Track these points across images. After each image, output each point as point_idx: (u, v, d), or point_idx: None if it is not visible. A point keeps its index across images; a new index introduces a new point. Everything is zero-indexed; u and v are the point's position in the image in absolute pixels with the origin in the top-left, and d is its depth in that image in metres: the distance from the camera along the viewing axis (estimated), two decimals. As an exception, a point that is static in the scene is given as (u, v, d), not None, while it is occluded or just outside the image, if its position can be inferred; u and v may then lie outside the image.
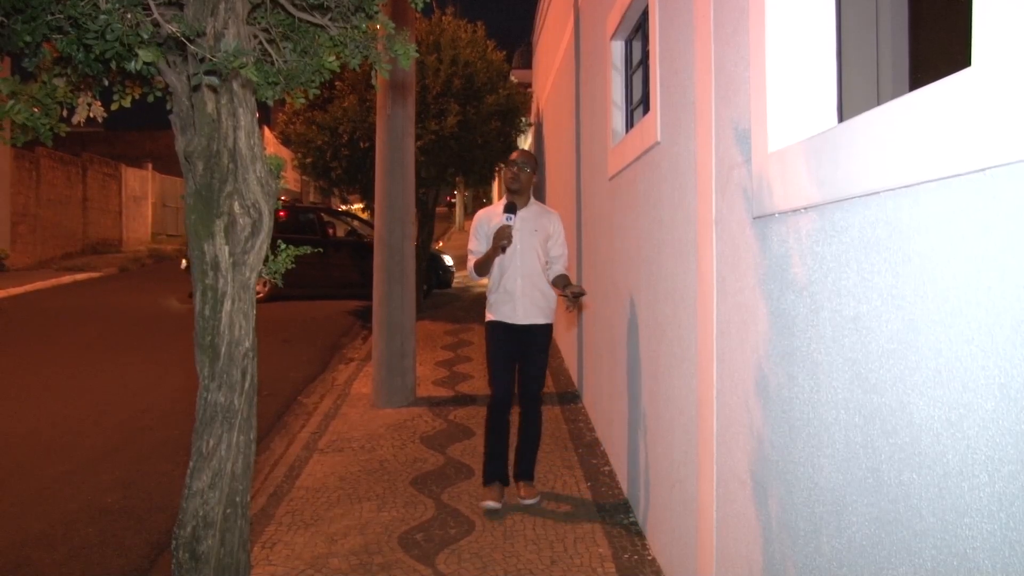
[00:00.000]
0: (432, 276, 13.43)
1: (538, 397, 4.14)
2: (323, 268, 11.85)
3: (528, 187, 4.09)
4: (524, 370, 4.10)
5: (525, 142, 14.20)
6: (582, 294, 3.84)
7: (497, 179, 19.28)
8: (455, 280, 14.63)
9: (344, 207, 26.95)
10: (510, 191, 4.07)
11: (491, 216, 4.12)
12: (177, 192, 23.49)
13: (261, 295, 11.53)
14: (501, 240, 3.90)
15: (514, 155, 4.13)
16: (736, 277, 2.30)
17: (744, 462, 2.23)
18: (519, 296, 4.02)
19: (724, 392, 2.43)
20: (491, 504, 3.93)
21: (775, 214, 1.96)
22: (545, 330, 4.11)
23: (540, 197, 11.23)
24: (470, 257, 4.14)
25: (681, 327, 2.94)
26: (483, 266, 4.06)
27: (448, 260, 14.06)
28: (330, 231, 13.22)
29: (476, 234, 4.14)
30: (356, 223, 14.01)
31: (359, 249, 12.31)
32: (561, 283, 4.05)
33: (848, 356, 1.58)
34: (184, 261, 12.69)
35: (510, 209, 3.98)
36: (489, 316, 4.12)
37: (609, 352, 4.79)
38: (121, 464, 4.81)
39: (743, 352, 2.24)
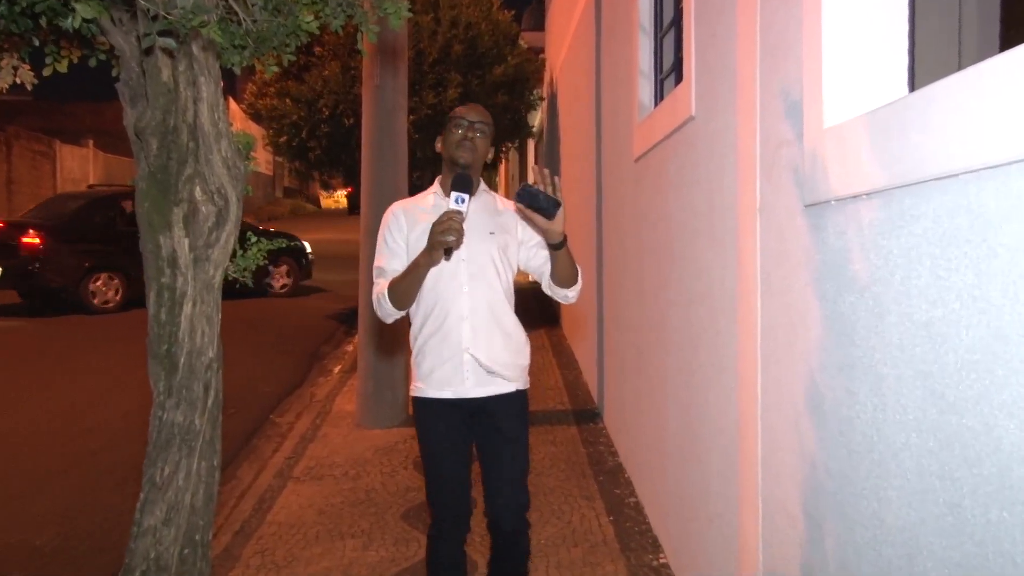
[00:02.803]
0: (299, 268, 13.62)
1: (520, 525, 2.84)
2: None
3: (481, 162, 2.83)
4: (489, 478, 2.81)
5: (536, 118, 14.18)
6: (545, 197, 2.52)
7: (504, 161, 19.13)
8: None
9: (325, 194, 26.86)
10: (458, 163, 2.74)
11: (416, 212, 2.80)
12: (125, 174, 23.28)
13: (111, 305, 11.39)
14: (445, 235, 2.49)
15: (462, 109, 2.82)
16: (784, 274, 2.28)
17: (794, 493, 2.21)
18: (466, 344, 2.71)
19: (770, 409, 2.41)
20: None
21: (831, 201, 1.94)
22: (515, 403, 2.80)
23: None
24: (378, 282, 2.74)
25: (719, 332, 2.92)
26: (404, 289, 2.66)
27: (308, 247, 14.02)
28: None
29: (388, 241, 2.78)
30: None
31: None
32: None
33: (920, 369, 1.55)
34: None
35: (461, 185, 2.59)
36: (416, 386, 2.80)
37: (635, 362, 4.77)
38: (59, 495, 4.81)
39: (792, 362, 2.22)
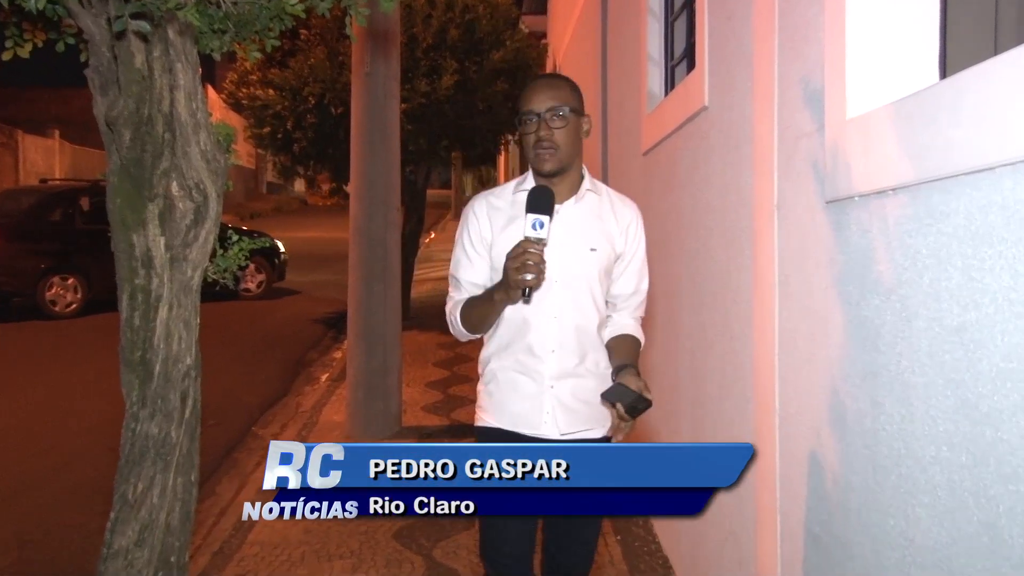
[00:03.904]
0: (273, 268, 13.48)
1: None
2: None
3: (574, 155, 2.42)
4: (553, 546, 2.57)
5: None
6: (644, 407, 2.31)
7: (504, 153, 19.15)
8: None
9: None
10: (540, 173, 2.40)
11: (506, 210, 2.48)
12: (94, 167, 23.02)
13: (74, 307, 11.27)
14: (523, 272, 2.19)
15: (527, 97, 2.40)
16: (803, 276, 2.28)
17: (816, 511, 2.21)
18: (550, 380, 2.43)
19: (788, 421, 2.40)
20: None
21: (854, 197, 1.94)
22: None
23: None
24: (452, 296, 2.52)
25: (733, 338, 2.92)
26: (479, 319, 2.44)
27: (281, 246, 13.92)
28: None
29: (465, 246, 2.50)
30: None
31: None
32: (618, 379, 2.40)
33: (951, 377, 1.55)
34: None
35: (539, 205, 2.23)
36: (481, 417, 2.54)
37: (642, 369, 4.76)
38: (19, 515, 4.78)
39: (812, 371, 2.22)
